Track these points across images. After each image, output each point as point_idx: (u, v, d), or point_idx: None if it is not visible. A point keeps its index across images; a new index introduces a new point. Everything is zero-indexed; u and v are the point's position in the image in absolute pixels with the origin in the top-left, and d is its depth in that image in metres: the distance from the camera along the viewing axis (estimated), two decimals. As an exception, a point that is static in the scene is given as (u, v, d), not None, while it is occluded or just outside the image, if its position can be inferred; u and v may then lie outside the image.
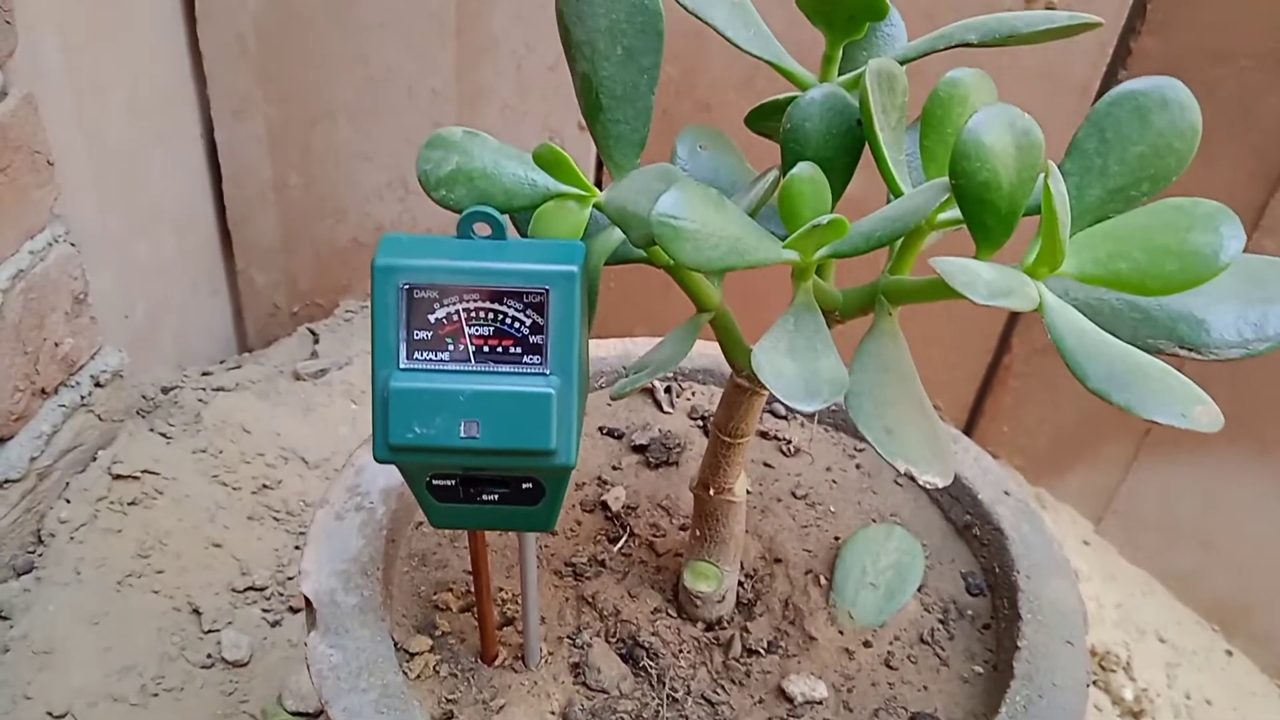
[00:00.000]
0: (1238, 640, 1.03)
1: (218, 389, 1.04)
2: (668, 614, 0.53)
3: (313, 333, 1.16)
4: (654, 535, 0.57)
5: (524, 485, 0.41)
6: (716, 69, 0.96)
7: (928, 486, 0.34)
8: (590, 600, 0.53)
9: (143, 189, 0.99)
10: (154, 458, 0.92)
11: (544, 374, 0.38)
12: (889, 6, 0.37)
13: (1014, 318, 1.01)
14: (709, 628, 0.53)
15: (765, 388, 0.47)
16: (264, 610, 0.86)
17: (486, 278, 0.38)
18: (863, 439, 0.63)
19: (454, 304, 0.38)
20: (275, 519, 0.94)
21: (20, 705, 0.74)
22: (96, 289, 0.89)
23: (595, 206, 0.40)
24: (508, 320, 0.39)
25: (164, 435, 0.96)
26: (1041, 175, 0.32)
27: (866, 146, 0.37)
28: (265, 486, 0.95)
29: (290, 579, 0.89)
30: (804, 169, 0.35)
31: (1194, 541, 1.05)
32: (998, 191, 0.33)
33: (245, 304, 1.20)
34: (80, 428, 0.88)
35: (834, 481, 0.61)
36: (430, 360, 0.39)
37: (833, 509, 0.59)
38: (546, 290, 0.38)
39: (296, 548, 0.91)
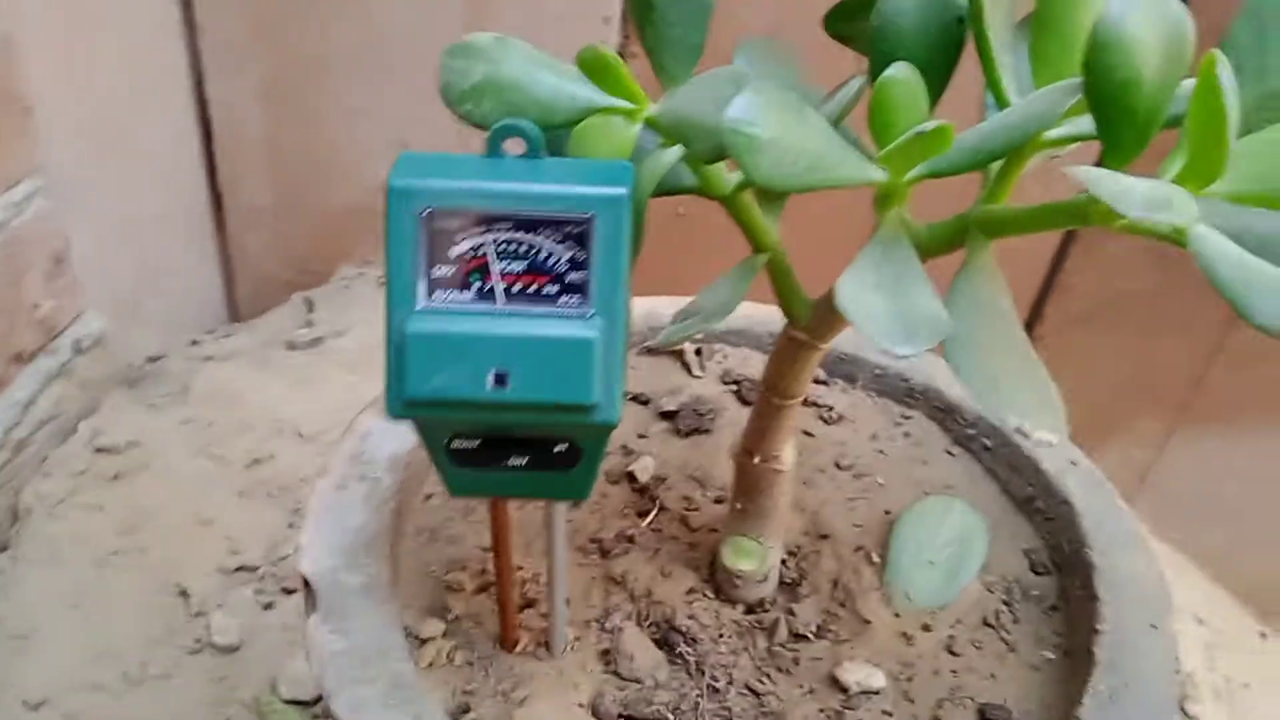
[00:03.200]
0: (1273, 621, 0.98)
1: (207, 358, 0.98)
2: (704, 595, 0.48)
3: (308, 300, 1.10)
4: (686, 509, 0.52)
5: (557, 448, 0.36)
6: None
7: (1040, 444, 0.29)
8: (619, 580, 0.48)
9: (129, 144, 0.93)
10: (139, 429, 0.87)
11: (585, 316, 0.33)
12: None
13: (1048, 283, 0.96)
14: (750, 610, 0.48)
15: (823, 342, 0.42)
16: (256, 592, 0.81)
17: (521, 202, 0.32)
18: (911, 405, 0.59)
19: (481, 234, 0.33)
20: (268, 495, 0.88)
21: (-6, 692, 0.69)
22: (78, 249, 0.83)
23: (646, 122, 0.35)
24: (543, 254, 0.33)
25: (150, 405, 0.90)
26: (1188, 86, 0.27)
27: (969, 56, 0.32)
28: (257, 461, 0.90)
29: (284, 559, 0.83)
30: (899, 69, 0.30)
31: (1229, 520, 1.01)
32: (1138, 93, 0.27)
33: (236, 270, 1.14)
34: (60, 397, 0.83)
35: (881, 451, 0.56)
36: (453, 300, 0.33)
37: (881, 480, 0.54)
38: (591, 217, 0.32)
39: (291, 526, 0.86)
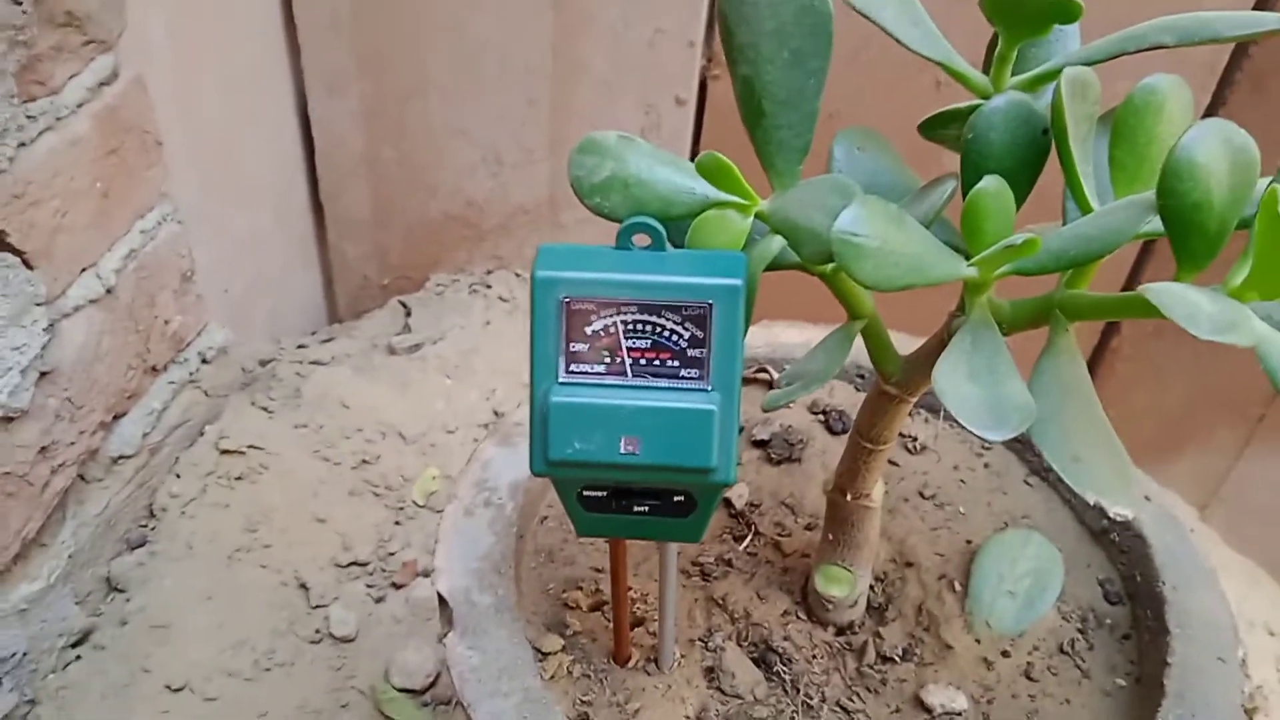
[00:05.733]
0: (1345, 634, 0.99)
1: (314, 362, 1.05)
2: (798, 617, 0.53)
3: (404, 305, 1.16)
4: (779, 534, 0.56)
5: (676, 498, 0.40)
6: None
7: (1117, 519, 0.32)
8: (720, 602, 0.53)
9: (239, 164, 0.99)
10: (258, 433, 0.93)
11: (705, 389, 0.37)
12: (1082, 7, 0.35)
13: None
14: (840, 632, 0.52)
15: (912, 396, 0.46)
16: (368, 586, 0.87)
17: (648, 291, 0.37)
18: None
19: (612, 316, 0.38)
20: (375, 494, 0.94)
21: (139, 678, 0.76)
22: (199, 265, 0.90)
23: (758, 216, 0.39)
24: (666, 333, 0.38)
25: (266, 410, 0.97)
26: (1256, 193, 0.30)
27: (1051, 156, 0.35)
28: (364, 462, 0.96)
29: (391, 554, 0.90)
30: (990, 183, 0.34)
31: (1303, 531, 1.02)
32: (1209, 213, 0.31)
33: (336, 276, 1.21)
34: (188, 404, 0.89)
35: (962, 481, 0.59)
36: (588, 374, 0.38)
37: (962, 510, 0.58)
38: (709, 305, 0.37)
39: (396, 523, 0.92)
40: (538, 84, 1.02)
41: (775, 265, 0.41)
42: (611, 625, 0.50)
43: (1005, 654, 0.51)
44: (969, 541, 0.56)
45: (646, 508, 0.40)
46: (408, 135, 1.07)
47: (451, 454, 0.98)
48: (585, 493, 0.40)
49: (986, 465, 0.60)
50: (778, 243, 0.39)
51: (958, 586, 0.53)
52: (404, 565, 0.89)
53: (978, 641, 0.51)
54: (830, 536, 0.51)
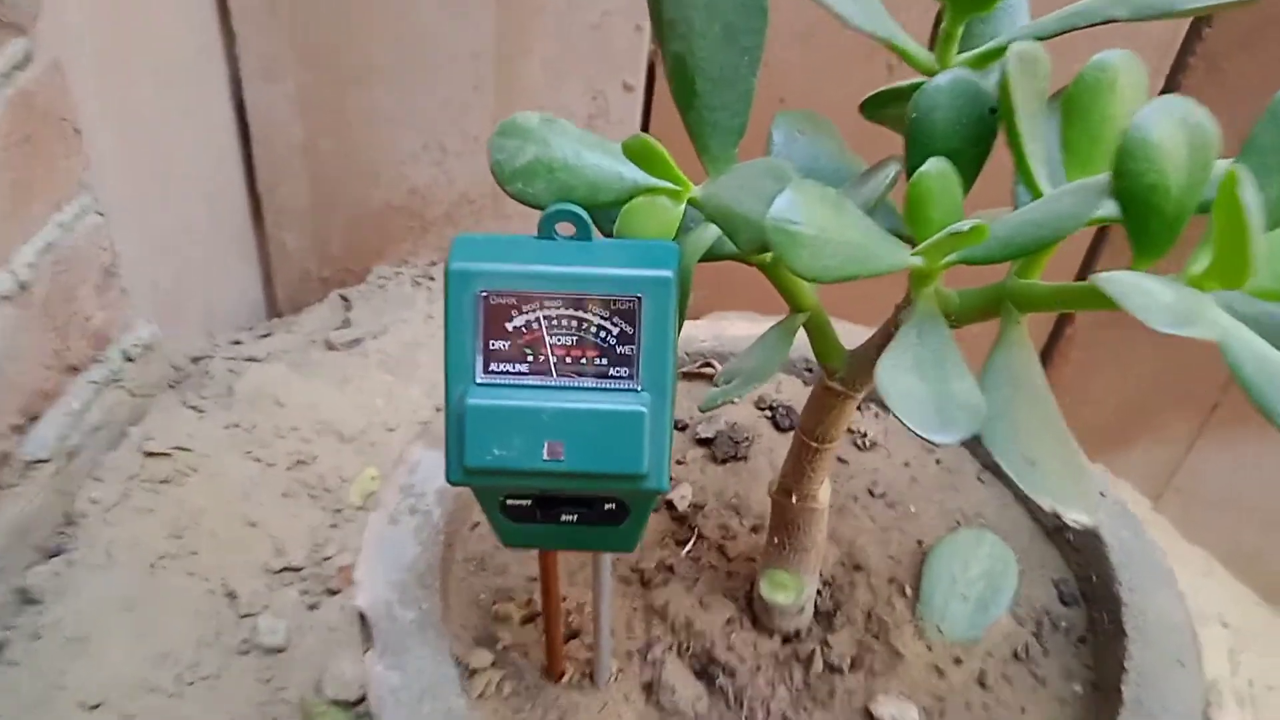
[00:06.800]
0: (1300, 624, 0.99)
1: (249, 359, 1.01)
2: (742, 625, 0.50)
3: (345, 299, 1.12)
4: (724, 538, 0.54)
5: (606, 506, 0.37)
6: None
7: (1074, 525, 0.30)
8: (660, 611, 0.50)
9: (169, 154, 0.95)
10: (186, 433, 0.89)
11: (634, 389, 0.35)
12: (1033, -21, 0.33)
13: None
14: (786, 640, 0.50)
15: (857, 392, 0.43)
16: (301, 592, 0.84)
17: (574, 284, 0.34)
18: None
19: (534, 311, 0.35)
20: (310, 495, 0.91)
21: (53, 696, 0.72)
22: (124, 258, 0.85)
23: (690, 203, 0.36)
24: (593, 329, 0.35)
25: (196, 409, 0.93)
26: (1215, 175, 0.28)
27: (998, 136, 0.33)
28: (300, 462, 0.92)
29: (327, 559, 0.86)
30: (934, 165, 0.31)
31: (1256, 521, 1.02)
32: (1165, 195, 0.28)
33: (275, 269, 1.17)
34: (111, 404, 0.85)
35: (913, 478, 0.57)
36: (508, 374, 0.35)
37: (913, 508, 0.56)
38: (638, 298, 0.34)
39: (333, 526, 0.89)
40: (482, 69, 0.98)
41: (711, 255, 0.38)
42: (542, 638, 0.47)
43: (958, 661, 0.49)
44: (920, 542, 0.53)
45: (575, 516, 0.38)
46: (348, 122, 1.03)
47: (392, 453, 0.95)
48: (508, 501, 0.38)
49: (938, 461, 0.58)
50: (713, 231, 0.36)
51: (909, 591, 0.51)
52: (340, 570, 0.85)
53: (929, 649, 0.49)
54: (775, 540, 0.49)
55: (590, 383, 0.35)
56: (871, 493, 0.56)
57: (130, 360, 0.87)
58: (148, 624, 0.77)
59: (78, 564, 0.79)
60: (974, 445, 0.59)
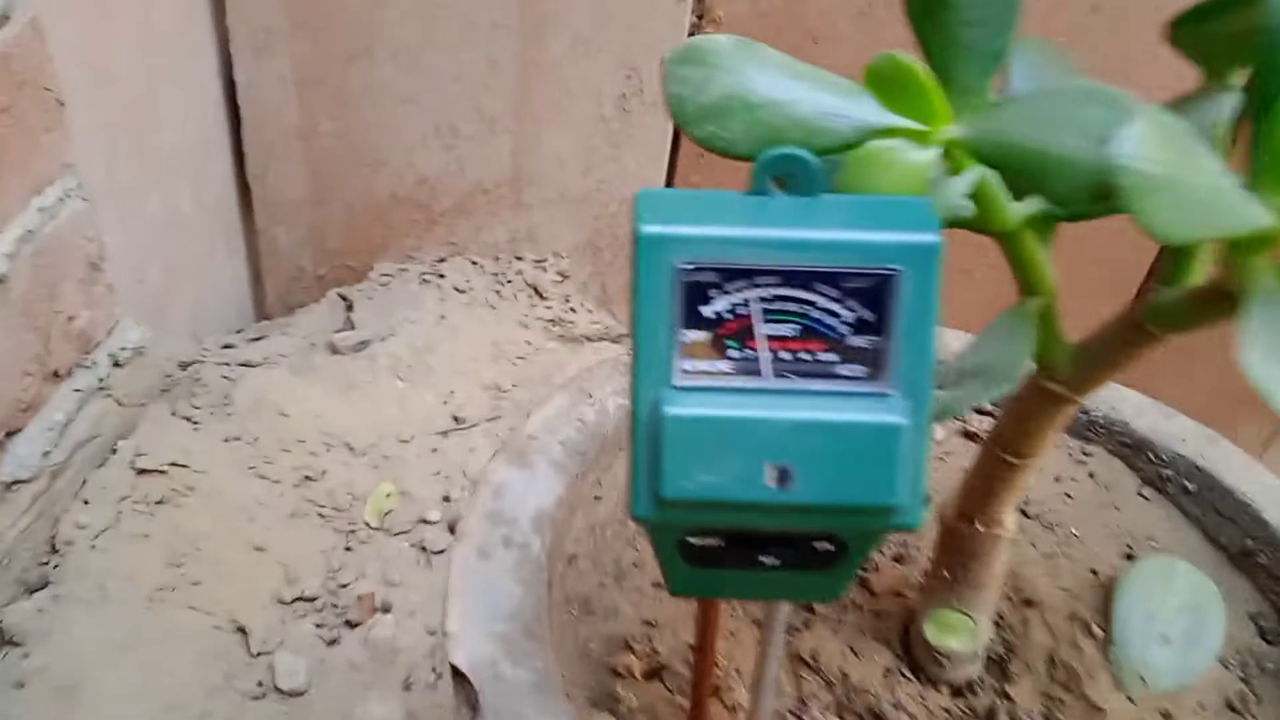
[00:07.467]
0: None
1: (244, 364, 0.91)
2: (903, 675, 0.42)
3: (345, 299, 1.02)
4: (865, 569, 0.46)
5: (821, 546, 0.29)
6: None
7: None
8: (809, 661, 0.42)
9: (154, 135, 0.85)
10: (181, 448, 0.79)
11: (882, 395, 0.26)
12: None
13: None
14: (957, 692, 0.42)
15: (1080, 395, 0.35)
16: (317, 625, 0.74)
17: (808, 253, 0.26)
18: (1091, 439, 0.52)
19: (743, 290, 0.26)
20: (321, 515, 0.81)
21: (43, 755, 0.62)
22: (108, 251, 0.75)
23: (947, 147, 0.28)
24: (816, 315, 0.26)
25: (190, 420, 0.83)
26: None
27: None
28: (308, 478, 0.83)
29: (344, 586, 0.77)
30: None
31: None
32: None
33: (265, 265, 1.07)
34: (98, 415, 0.75)
35: (1068, 495, 0.49)
36: (708, 374, 0.27)
37: (1075, 531, 0.48)
38: (894, 273, 0.26)
39: (347, 549, 0.79)
40: (501, 42, 0.90)
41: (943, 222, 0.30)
42: (673, 697, 0.39)
43: (1166, 716, 0.41)
44: (1094, 571, 0.46)
45: (778, 559, 0.29)
46: (349, 103, 0.94)
47: (407, 467, 0.86)
48: (693, 541, 0.29)
49: (1091, 475, 0.51)
50: (964, 183, 0.28)
51: (1095, 630, 0.43)
52: (359, 599, 0.76)
53: (1131, 701, 0.41)
54: (944, 573, 0.41)
55: (818, 385, 0.27)
56: (1025, 513, 0.48)
57: (119, 365, 0.77)
58: (148, 668, 0.67)
59: (65, 599, 0.69)
60: (1130, 456, 0.51)
